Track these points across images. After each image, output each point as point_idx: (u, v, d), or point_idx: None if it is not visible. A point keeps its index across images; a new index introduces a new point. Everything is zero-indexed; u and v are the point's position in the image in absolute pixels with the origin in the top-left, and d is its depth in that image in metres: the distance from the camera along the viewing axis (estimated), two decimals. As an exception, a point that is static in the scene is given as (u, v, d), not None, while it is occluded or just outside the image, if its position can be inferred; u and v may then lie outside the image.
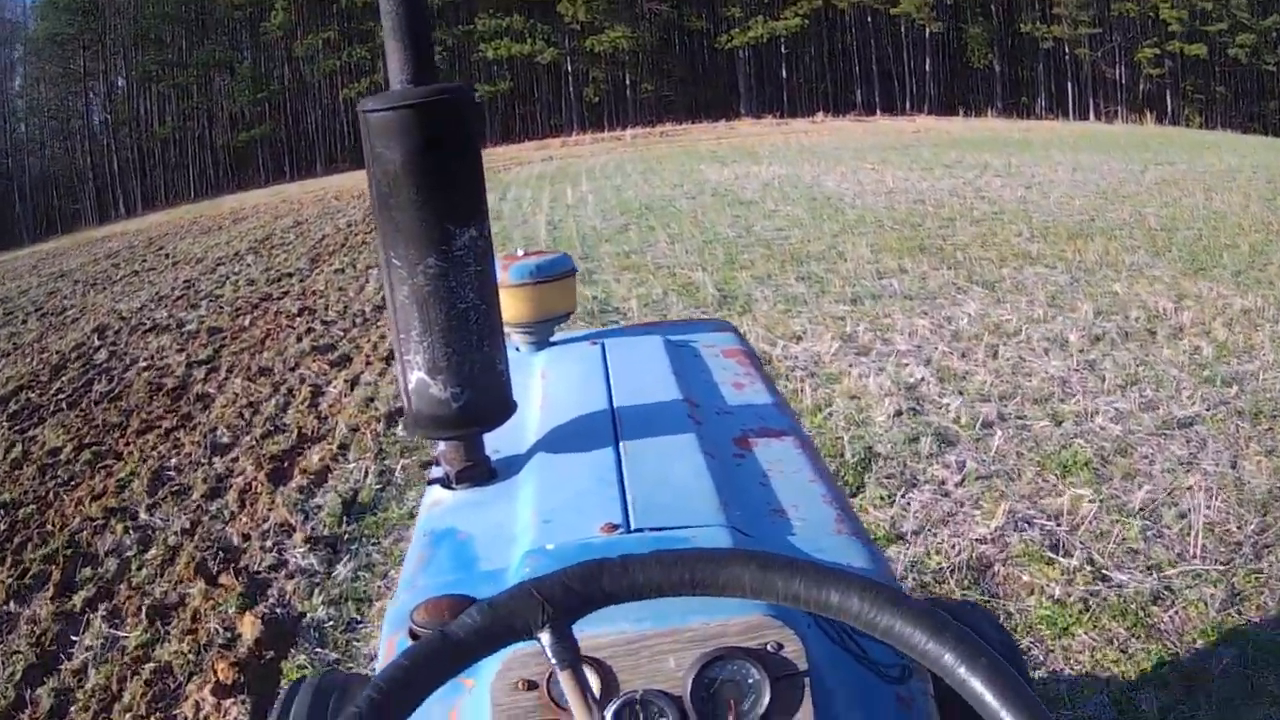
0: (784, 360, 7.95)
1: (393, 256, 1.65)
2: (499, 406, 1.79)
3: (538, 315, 2.52)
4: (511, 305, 2.40)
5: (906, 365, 7.68)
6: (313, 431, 7.61)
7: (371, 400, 8.09)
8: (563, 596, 1.01)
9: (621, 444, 1.85)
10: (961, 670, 0.93)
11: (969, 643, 0.94)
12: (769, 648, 1.24)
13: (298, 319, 11.62)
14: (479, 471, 1.82)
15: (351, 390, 8.41)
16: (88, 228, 48.35)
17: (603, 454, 1.82)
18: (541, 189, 23.86)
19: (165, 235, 26.95)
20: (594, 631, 1.18)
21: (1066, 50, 64.69)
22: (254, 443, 7.48)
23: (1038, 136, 32.99)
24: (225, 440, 7.67)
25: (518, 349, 2.55)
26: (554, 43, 64.64)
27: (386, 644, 1.43)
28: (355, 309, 11.76)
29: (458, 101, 1.65)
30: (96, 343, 11.95)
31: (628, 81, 66.69)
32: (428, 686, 0.97)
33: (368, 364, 9.14)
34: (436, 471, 1.86)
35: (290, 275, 15.05)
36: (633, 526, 1.53)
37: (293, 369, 9.40)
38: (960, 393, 7.02)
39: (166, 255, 21.20)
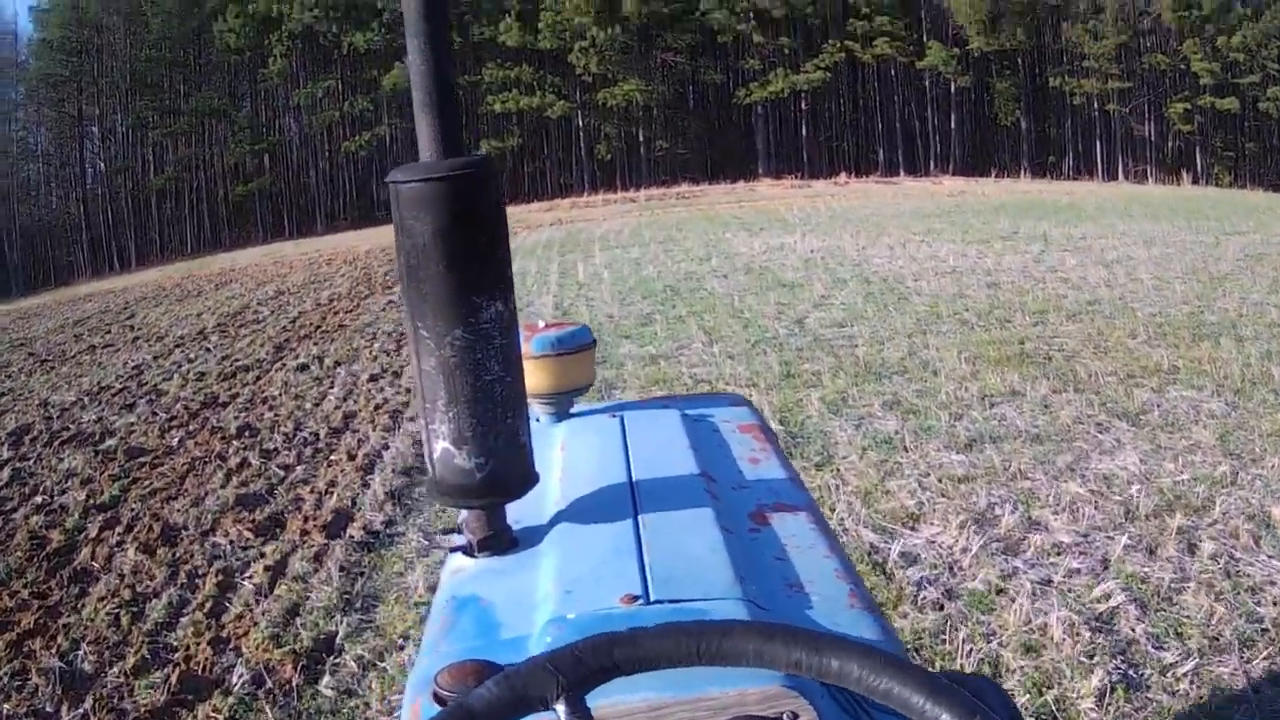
0: (902, 566, 5.39)
1: (420, 328, 1.72)
2: (521, 477, 1.84)
3: (558, 387, 2.55)
4: (533, 376, 2.36)
5: (1080, 575, 5.22)
6: (204, 667, 5.08)
7: (295, 613, 5.55)
8: (575, 668, 1.03)
9: (640, 516, 1.89)
10: None
11: (967, 705, 0.96)
12: (784, 718, 1.27)
13: (235, 441, 9.12)
14: (501, 540, 1.86)
15: (272, 588, 5.86)
16: (80, 280, 48.06)
17: (622, 526, 1.85)
18: (549, 260, 21.61)
19: (144, 299, 25.49)
20: (616, 700, 1.22)
21: (1095, 106, 62.51)
22: (121, 682, 4.98)
23: (1081, 200, 30.95)
24: (87, 668, 5.17)
25: (538, 419, 2.56)
26: (564, 95, 62.15)
27: (410, 709, 1.43)
28: (309, 429, 9.27)
29: (485, 174, 1.71)
30: (5, 454, 9.60)
31: (640, 138, 64.32)
32: None
33: (303, 537, 6.60)
34: (458, 539, 1.89)
35: (248, 369, 12.64)
36: (652, 598, 1.55)
37: (206, 533, 6.88)
38: (1177, 633, 4.63)
39: (132, 327, 19.26)
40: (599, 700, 1.09)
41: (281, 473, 8.05)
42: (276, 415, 9.95)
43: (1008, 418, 7.84)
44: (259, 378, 12.02)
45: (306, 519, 6.87)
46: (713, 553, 1.70)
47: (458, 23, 57.66)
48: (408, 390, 10.29)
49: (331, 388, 10.95)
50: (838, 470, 6.86)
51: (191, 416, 10.39)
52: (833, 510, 6.12)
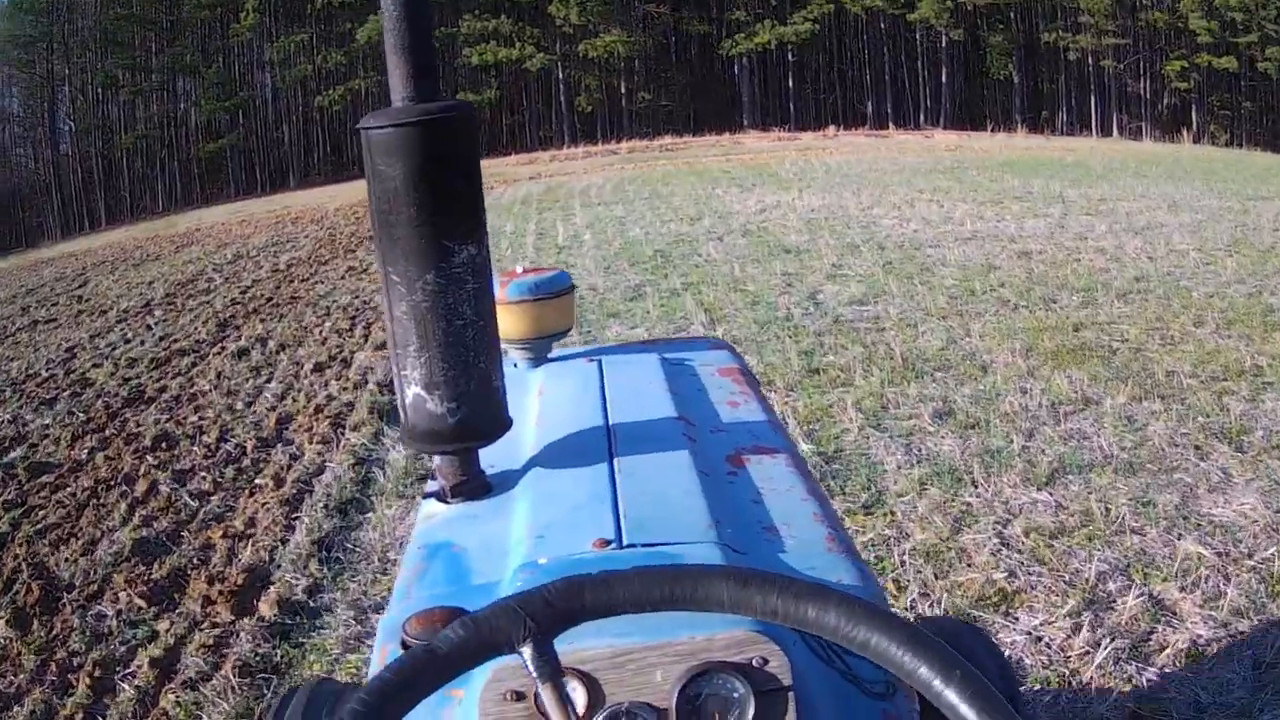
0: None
1: (391, 272, 1.70)
2: (495, 422, 1.82)
3: (536, 332, 2.55)
4: (510, 322, 2.44)
5: (1232, 688, 3.81)
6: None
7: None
8: (544, 612, 1.03)
9: (616, 460, 1.88)
10: (937, 683, 0.94)
11: (945, 656, 0.95)
12: (754, 662, 1.26)
13: (149, 457, 7.62)
14: (474, 486, 1.84)
15: (156, 698, 4.38)
16: (48, 243, 46.34)
17: (597, 470, 1.85)
18: (526, 219, 20.04)
19: (102, 264, 24.23)
20: (581, 645, 1.22)
21: (1090, 62, 60.87)
22: None
23: (1086, 157, 29.50)
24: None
25: (515, 365, 2.59)
26: (544, 47, 59.61)
27: (380, 653, 1.43)
28: (236, 439, 7.76)
29: (459, 119, 1.68)
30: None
31: (623, 90, 61.85)
32: (413, 698, 0.99)
33: (205, 608, 5.10)
34: (432, 485, 1.89)
35: (184, 353, 11.15)
36: (625, 542, 1.55)
37: (93, 596, 5.39)
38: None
39: (80, 298, 17.90)
40: (562, 646, 1.09)
41: (194, 504, 6.54)
42: (201, 419, 8.43)
43: (1088, 436, 6.36)
44: (194, 364, 10.54)
45: (212, 580, 5.35)
46: (688, 496, 1.70)
47: (434, -28, 54.88)
48: (355, 385, 8.79)
49: (269, 381, 9.43)
50: (892, 516, 5.35)
51: (110, 418, 8.92)
52: (898, 585, 4.64)
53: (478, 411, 1.76)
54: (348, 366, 9.49)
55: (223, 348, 11.12)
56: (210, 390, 9.31)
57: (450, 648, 1.00)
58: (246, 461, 7.27)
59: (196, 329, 12.51)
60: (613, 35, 57.95)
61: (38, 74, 62.67)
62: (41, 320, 15.78)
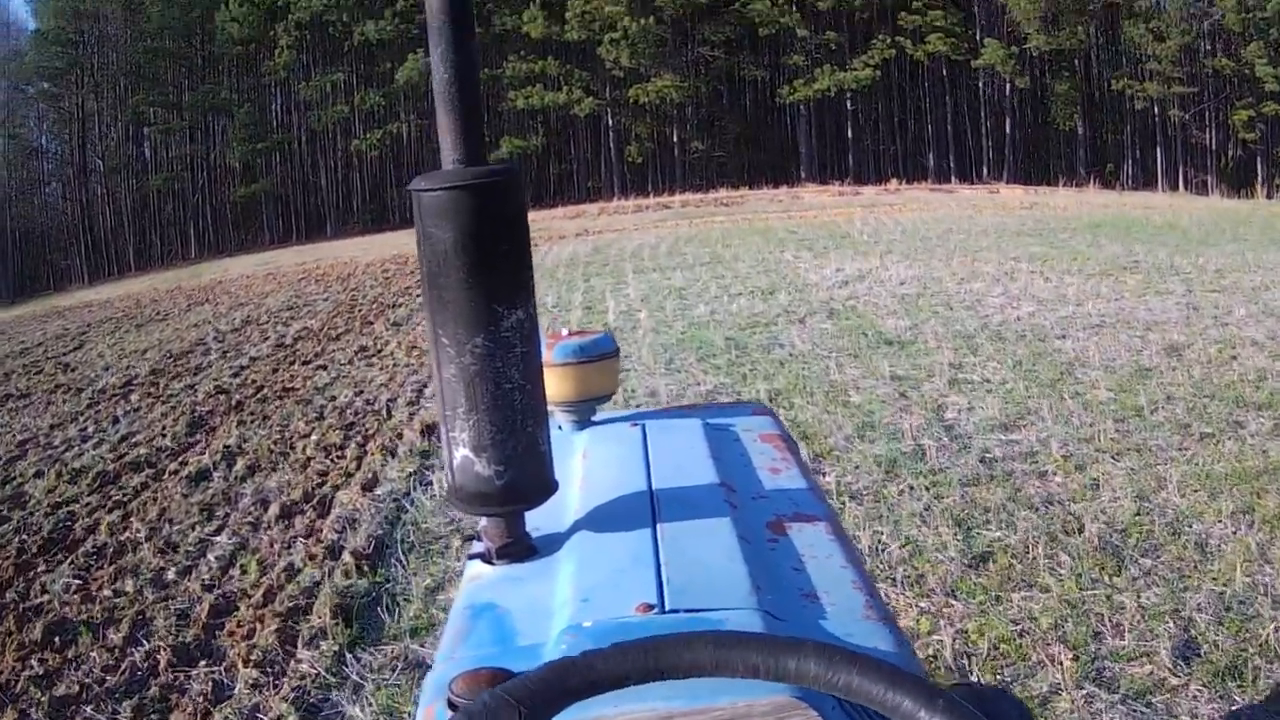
0: None
1: (441, 335, 1.71)
2: (541, 485, 1.83)
3: (580, 395, 2.54)
4: (555, 384, 2.41)
5: None
6: None
7: None
8: (530, 698, 1.02)
9: (659, 525, 1.88)
10: None
11: (957, 710, 0.95)
12: None
13: (35, 657, 5.36)
14: (519, 548, 1.85)
15: None
16: (74, 287, 45.40)
17: (640, 535, 1.85)
18: (572, 288, 17.87)
19: (108, 321, 22.76)
20: (623, 709, 1.22)
21: (1156, 111, 58.40)
22: None
23: (1173, 217, 26.69)
24: None
25: (560, 427, 2.56)
26: (593, 91, 57.43)
27: (424, 713, 1.42)
28: (150, 642, 5.43)
29: (508, 183, 1.70)
30: None
31: (675, 139, 59.50)
32: None
33: None
34: (478, 547, 1.89)
35: (138, 467, 8.94)
36: (668, 607, 1.55)
37: None
38: None
39: (68, 366, 16.13)
40: (609, 709, 1.16)
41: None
42: (118, 595, 6.12)
43: None
44: (141, 489, 8.29)
45: None
46: (729, 562, 1.69)
47: (479, 12, 53.13)
48: (326, 553, 6.42)
49: (220, 532, 7.11)
50: None
51: (17, 572, 6.69)
52: None
53: (524, 474, 1.75)
54: (324, 514, 7.16)
55: (183, 462, 8.87)
56: (145, 541, 7.00)
57: None
58: (152, 690, 4.95)
59: (165, 428, 10.33)
60: (665, 80, 55.53)
61: (65, 108, 60.92)
62: (15, 395, 13.90)
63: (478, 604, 1.70)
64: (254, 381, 12.26)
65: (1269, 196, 45.04)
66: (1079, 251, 18.64)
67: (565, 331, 2.55)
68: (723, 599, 1.55)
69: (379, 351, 13.41)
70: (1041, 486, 6.63)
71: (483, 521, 1.85)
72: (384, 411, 9.91)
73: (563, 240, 28.30)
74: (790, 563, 1.81)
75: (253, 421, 10.22)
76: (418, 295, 18.86)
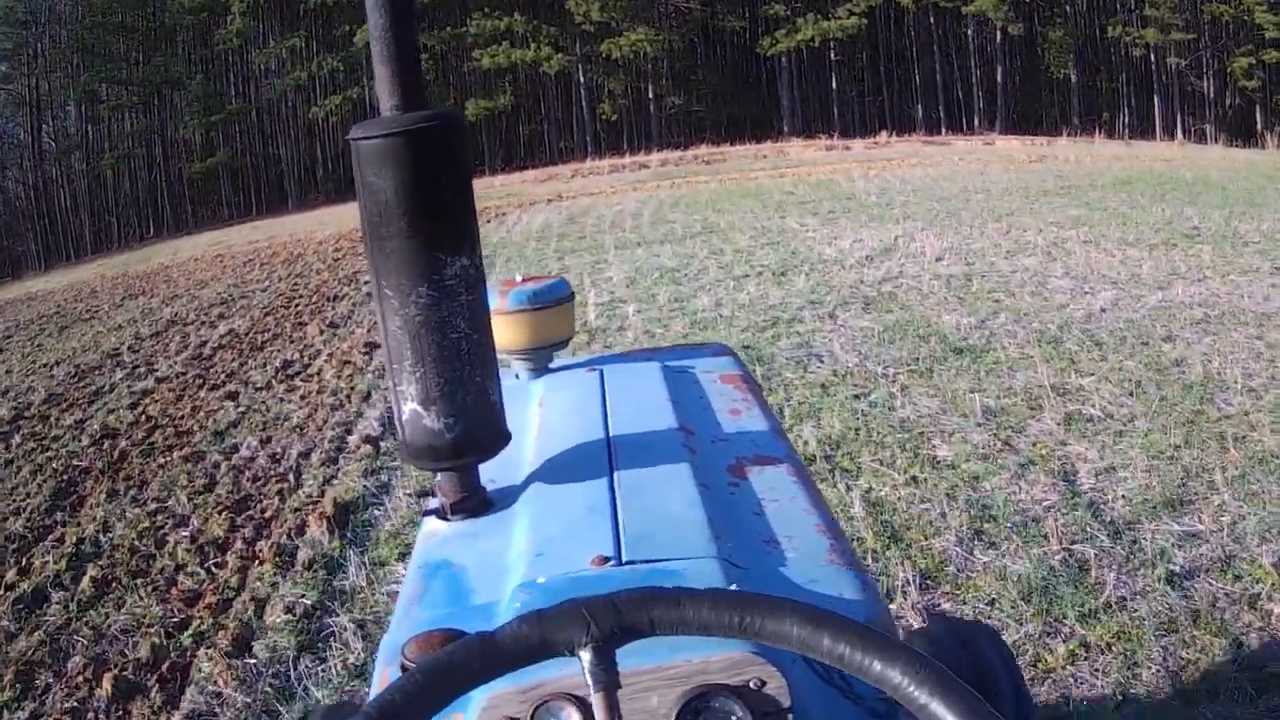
0: None
1: (384, 286, 1.67)
2: (493, 437, 1.80)
3: (536, 342, 2.51)
4: (510, 332, 2.42)
5: None
6: None
7: None
8: (611, 620, 1.02)
9: (616, 474, 1.85)
10: (922, 696, 0.94)
11: (929, 668, 0.95)
12: (751, 684, 1.24)
13: None
14: (474, 503, 1.81)
15: None
16: (31, 274, 43.09)
17: (597, 485, 1.82)
18: (545, 268, 15.27)
19: (34, 322, 20.55)
20: (574, 669, 1.12)
21: (1154, 59, 56.14)
22: None
23: (1202, 170, 24.28)
24: None
25: (516, 376, 2.56)
26: (563, 48, 54.14)
27: (381, 675, 1.41)
28: None
29: (448, 128, 1.67)
30: None
31: (650, 94, 56.50)
32: (465, 684, 0.99)
33: None
34: (433, 503, 1.85)
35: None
36: (624, 559, 1.53)
37: None
38: None
39: None
40: (558, 671, 1.13)
41: None
42: None
43: None
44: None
45: None
46: (688, 510, 1.67)
47: (442, -32, 50.45)
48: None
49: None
50: None
51: None
52: None
53: (476, 426, 1.72)
54: (175, 700, 4.65)
55: (23, 568, 6.37)
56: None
57: (510, 641, 0.98)
58: None
59: (28, 496, 7.86)
60: (638, 33, 52.52)
61: (16, 90, 58.24)
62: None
63: (433, 562, 1.67)
64: (149, 419, 9.73)
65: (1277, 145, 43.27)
66: (1123, 215, 16.26)
67: (519, 278, 2.52)
68: (681, 548, 1.52)
69: (305, 368, 10.90)
70: (1263, 627, 4.24)
71: (436, 476, 1.80)
72: (292, 476, 7.37)
73: (533, 206, 25.88)
74: (751, 507, 1.77)
75: (128, 489, 7.71)
76: (366, 282, 16.52)
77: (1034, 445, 6.35)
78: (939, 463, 6.15)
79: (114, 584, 6.01)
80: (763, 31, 56.06)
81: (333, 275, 18.29)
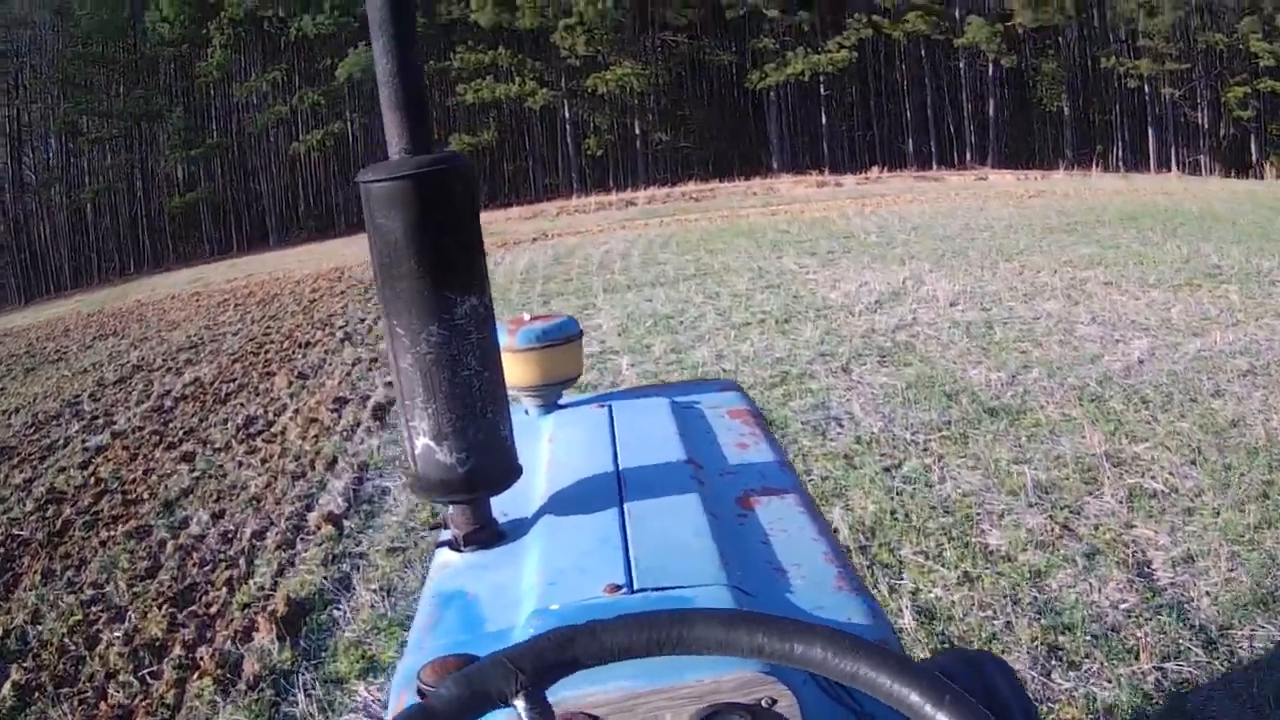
0: None
1: (396, 325, 1.68)
2: (504, 471, 1.80)
3: (545, 379, 2.51)
4: (519, 369, 2.42)
5: None
6: None
7: None
8: (533, 663, 1.02)
9: (626, 506, 1.86)
10: (928, 708, 0.93)
11: (937, 684, 0.93)
12: (763, 703, 1.24)
13: None
14: (486, 534, 1.82)
15: None
16: (11, 308, 42.44)
17: (607, 516, 1.83)
18: (530, 312, 14.25)
19: (4, 360, 19.96)
20: (591, 689, 1.21)
21: (1148, 90, 55.75)
22: None
23: (1206, 204, 23.97)
24: None
25: (526, 412, 2.55)
26: (548, 83, 53.59)
27: (397, 700, 1.42)
28: None
29: (456, 171, 1.68)
30: None
31: (636, 130, 55.91)
32: None
33: None
34: (445, 534, 1.87)
35: None
36: (635, 587, 1.53)
37: None
38: None
39: None
40: (573, 691, 1.15)
41: None
42: None
43: None
44: None
45: None
46: (697, 539, 1.68)
47: (423, 1, 49.78)
48: None
49: None
50: None
51: None
52: None
53: (487, 461, 1.73)
54: None
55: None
56: None
57: (443, 704, 0.98)
58: None
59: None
60: (624, 68, 51.92)
61: (-4, 122, 57.68)
62: None
63: (446, 592, 1.68)
64: (99, 481, 8.87)
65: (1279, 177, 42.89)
66: (1138, 253, 15.61)
67: (527, 316, 2.53)
68: (691, 576, 1.52)
69: (269, 425, 10.03)
70: None
71: (449, 509, 1.82)
72: (243, 561, 6.49)
73: (518, 246, 25.19)
74: (759, 537, 1.78)
75: (65, 570, 6.84)
76: (341, 326, 15.72)
77: (1097, 529, 5.53)
78: (992, 554, 5.31)
79: (37, 692, 5.17)
80: (751, 65, 55.59)
81: (306, 319, 17.45)
